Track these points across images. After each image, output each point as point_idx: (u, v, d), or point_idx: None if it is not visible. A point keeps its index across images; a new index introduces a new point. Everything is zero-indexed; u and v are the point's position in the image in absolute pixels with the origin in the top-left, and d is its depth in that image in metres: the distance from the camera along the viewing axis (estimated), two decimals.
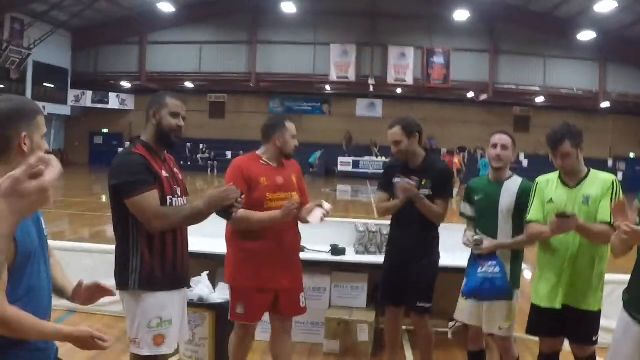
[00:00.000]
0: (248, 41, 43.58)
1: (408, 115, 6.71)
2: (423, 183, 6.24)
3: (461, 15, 39.30)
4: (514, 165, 6.28)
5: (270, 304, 5.86)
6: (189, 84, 43.67)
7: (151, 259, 4.56)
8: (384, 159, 43.22)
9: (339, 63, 42.86)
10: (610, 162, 45.97)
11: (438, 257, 6.56)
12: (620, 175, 42.54)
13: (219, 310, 6.63)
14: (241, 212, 5.31)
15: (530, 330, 5.74)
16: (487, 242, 5.80)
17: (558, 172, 5.50)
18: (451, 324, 8.55)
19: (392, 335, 6.85)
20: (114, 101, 45.21)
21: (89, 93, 44.78)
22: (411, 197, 6.16)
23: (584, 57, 42.95)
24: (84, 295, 3.32)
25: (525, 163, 41.39)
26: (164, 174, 4.64)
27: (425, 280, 6.41)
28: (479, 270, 5.76)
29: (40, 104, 3.16)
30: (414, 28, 43.03)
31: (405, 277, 6.40)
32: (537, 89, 43.81)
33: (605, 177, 5.30)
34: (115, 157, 4.72)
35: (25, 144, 2.84)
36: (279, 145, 5.84)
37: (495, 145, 5.94)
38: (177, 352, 6.78)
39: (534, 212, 5.60)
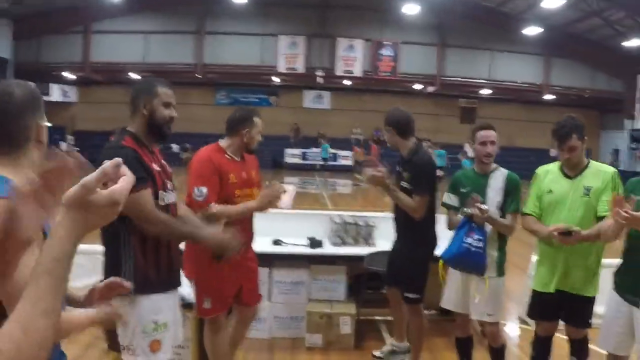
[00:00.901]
0: (196, 31, 43.02)
1: (395, 108, 6.75)
2: (405, 177, 6.42)
3: (411, 8, 39.36)
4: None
5: (234, 295, 5.90)
6: (133, 75, 43.08)
7: (145, 259, 4.38)
8: (330, 149, 43.39)
9: (288, 54, 42.62)
10: (552, 152, 46.75)
11: (423, 251, 6.59)
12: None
13: None
14: (219, 207, 5.39)
15: (529, 314, 5.89)
16: (489, 213, 5.83)
17: (558, 162, 5.58)
18: (427, 312, 8.68)
19: (396, 315, 7.27)
20: (56, 93, 43.85)
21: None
22: (379, 186, 6.24)
23: (529, 52, 43.55)
24: (99, 295, 2.94)
25: (469, 153, 41.70)
26: (155, 167, 4.46)
27: (408, 273, 6.55)
28: (465, 239, 5.80)
29: None
30: (363, 20, 42.99)
31: (394, 267, 6.67)
32: (484, 81, 44.21)
33: (606, 170, 5.44)
34: (103, 151, 4.34)
35: (42, 135, 2.59)
36: (245, 140, 5.82)
37: (484, 143, 5.97)
38: None
39: (530, 205, 5.73)
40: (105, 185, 1.72)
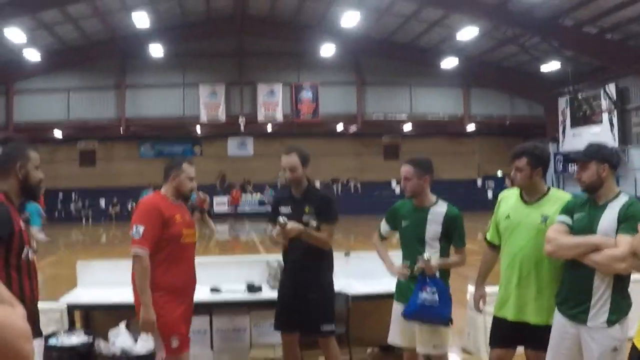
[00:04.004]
0: (116, 86, 42.76)
1: (300, 145, 6.82)
2: (307, 211, 6.42)
3: (327, 50, 39.85)
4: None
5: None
6: (57, 133, 42.57)
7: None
8: (259, 195, 43.33)
9: (209, 103, 42.66)
10: (479, 182, 47.59)
11: (331, 276, 6.69)
12: (490, 193, 43.99)
13: None
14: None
15: (489, 341, 5.89)
16: (435, 260, 5.87)
17: (519, 189, 5.64)
18: (369, 350, 8.69)
19: None
20: None
21: None
22: (298, 236, 6.28)
23: (448, 84, 44.42)
24: None
25: (397, 190, 42.08)
26: (22, 225, 4.59)
27: (325, 304, 6.55)
28: (420, 294, 5.83)
29: None
30: (281, 65, 43.37)
31: (303, 304, 6.51)
32: (405, 117, 44.86)
33: (565, 197, 5.43)
34: None
35: None
36: (174, 184, 6.04)
37: (402, 179, 6.08)
38: None
39: (491, 231, 5.83)
40: None
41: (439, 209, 6.04)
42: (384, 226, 6.39)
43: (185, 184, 6.04)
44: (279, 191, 6.95)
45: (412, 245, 6.02)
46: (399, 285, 6.18)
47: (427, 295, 5.80)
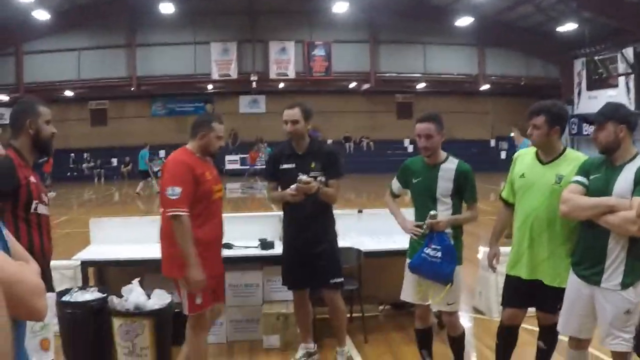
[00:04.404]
0: (126, 45, 42.60)
1: (305, 102, 6.84)
2: (312, 166, 6.45)
3: (340, 7, 39.49)
4: None
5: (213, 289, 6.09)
6: (68, 93, 42.53)
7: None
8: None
9: (220, 61, 42.53)
10: (492, 142, 47.31)
11: (336, 234, 6.80)
12: (503, 154, 43.79)
13: (157, 317, 6.55)
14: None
15: (502, 300, 5.89)
16: (443, 218, 5.86)
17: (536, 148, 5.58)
18: (381, 307, 8.72)
19: (304, 318, 7.08)
20: None
21: None
22: (311, 193, 6.31)
23: (462, 43, 44.09)
24: None
25: (410, 148, 42.00)
26: (32, 180, 4.70)
27: (333, 257, 6.65)
28: (424, 249, 5.84)
29: None
30: (293, 22, 43.13)
31: (310, 259, 6.58)
32: (418, 75, 44.57)
33: (581, 157, 5.34)
34: None
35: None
36: (202, 143, 5.98)
37: (419, 136, 5.96)
38: None
39: (505, 190, 5.81)
40: None
41: (450, 166, 6.00)
42: (395, 184, 6.36)
43: (214, 143, 5.99)
44: (279, 147, 6.85)
45: (424, 202, 5.99)
46: (411, 242, 6.17)
47: (431, 251, 5.81)
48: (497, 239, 6.03)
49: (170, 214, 5.58)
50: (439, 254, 5.79)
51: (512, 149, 42.05)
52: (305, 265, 6.60)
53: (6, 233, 2.25)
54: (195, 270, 5.60)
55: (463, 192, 5.98)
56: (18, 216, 4.50)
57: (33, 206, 4.61)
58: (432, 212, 5.81)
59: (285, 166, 6.58)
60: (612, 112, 4.82)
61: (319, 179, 6.35)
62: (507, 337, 5.87)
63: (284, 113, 6.54)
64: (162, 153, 39.93)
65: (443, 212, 5.90)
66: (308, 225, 6.59)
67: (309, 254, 6.56)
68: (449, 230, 5.89)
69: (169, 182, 5.67)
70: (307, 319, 7.07)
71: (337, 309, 6.73)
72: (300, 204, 6.42)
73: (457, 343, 6.27)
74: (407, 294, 6.22)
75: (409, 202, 6.46)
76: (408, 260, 6.09)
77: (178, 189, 5.60)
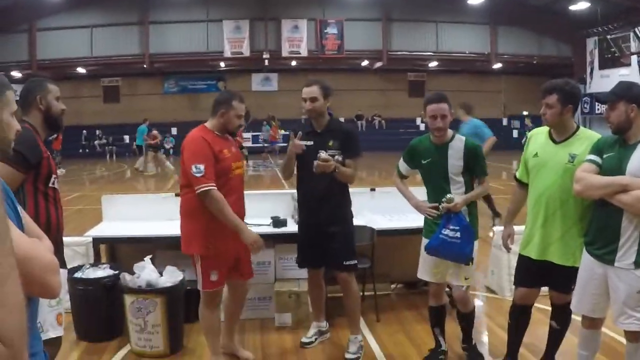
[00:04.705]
0: (139, 22, 42.52)
1: (323, 79, 6.75)
2: (330, 145, 6.34)
3: None
4: None
5: (232, 267, 6.11)
6: (81, 70, 42.59)
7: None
8: (284, 131, 43.24)
9: (233, 39, 42.45)
10: (505, 121, 47.22)
11: (352, 215, 6.69)
12: (515, 132, 43.74)
13: (169, 295, 6.55)
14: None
15: (514, 280, 5.88)
16: (458, 198, 5.85)
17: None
18: (393, 286, 8.71)
19: (317, 297, 7.07)
20: None
21: None
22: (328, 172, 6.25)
23: (475, 21, 43.83)
24: None
25: (422, 127, 41.93)
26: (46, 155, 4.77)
27: (348, 238, 6.57)
28: (443, 231, 5.81)
29: None
30: (306, 0, 43.01)
31: (323, 240, 6.51)
32: (431, 54, 44.42)
33: (594, 136, 5.30)
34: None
35: None
36: (221, 121, 5.98)
37: (434, 117, 5.92)
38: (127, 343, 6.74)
39: (520, 170, 5.79)
40: None
41: (458, 144, 5.99)
42: (402, 165, 6.34)
43: (233, 121, 6.00)
44: (298, 125, 6.79)
45: (437, 182, 5.99)
46: (426, 221, 6.16)
47: (450, 232, 5.79)
48: (512, 219, 6.01)
49: (200, 190, 5.64)
50: (458, 234, 5.78)
51: (524, 127, 42.06)
52: (319, 246, 6.55)
53: (20, 210, 2.24)
54: (246, 233, 5.76)
55: (473, 168, 5.96)
56: (38, 189, 4.53)
57: (52, 180, 4.66)
58: (448, 196, 5.80)
59: (303, 143, 6.51)
60: (624, 92, 4.76)
61: (336, 157, 6.27)
62: (519, 317, 5.86)
63: (302, 90, 6.45)
64: (174, 130, 39.94)
65: (456, 191, 5.89)
66: (321, 205, 6.51)
67: (322, 234, 6.48)
68: (464, 208, 5.89)
69: (192, 160, 5.70)
70: (321, 298, 7.05)
71: (350, 291, 6.65)
72: (314, 184, 6.40)
73: (467, 320, 6.27)
74: (424, 272, 6.21)
75: (419, 181, 6.41)
76: (425, 240, 6.07)
77: (201, 166, 5.64)
